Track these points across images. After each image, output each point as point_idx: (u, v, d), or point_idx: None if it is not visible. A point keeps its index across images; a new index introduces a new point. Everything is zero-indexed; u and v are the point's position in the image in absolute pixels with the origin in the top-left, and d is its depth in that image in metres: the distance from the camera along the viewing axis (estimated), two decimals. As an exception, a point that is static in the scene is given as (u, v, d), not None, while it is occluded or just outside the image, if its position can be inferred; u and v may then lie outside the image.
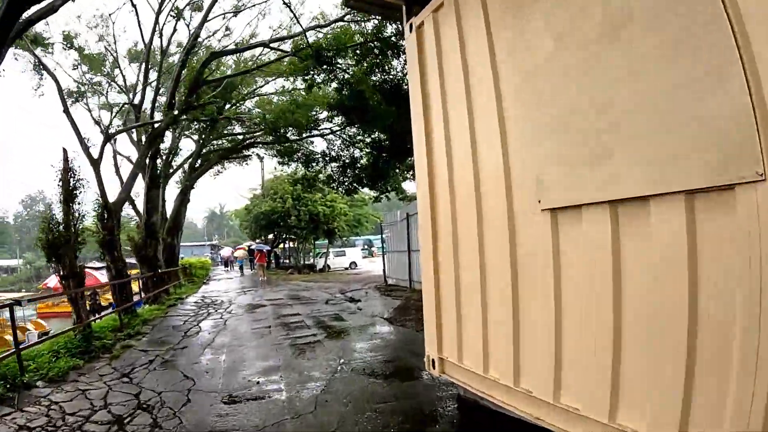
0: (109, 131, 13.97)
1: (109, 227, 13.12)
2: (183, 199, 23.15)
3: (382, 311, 11.99)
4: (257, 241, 42.01)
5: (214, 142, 26.07)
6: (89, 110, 19.63)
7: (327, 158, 22.76)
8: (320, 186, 33.01)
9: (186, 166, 24.86)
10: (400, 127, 17.99)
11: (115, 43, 19.54)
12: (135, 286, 16.40)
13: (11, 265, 58.19)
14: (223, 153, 25.20)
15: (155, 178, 16.14)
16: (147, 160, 15.40)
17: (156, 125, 14.90)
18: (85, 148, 13.51)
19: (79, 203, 10.78)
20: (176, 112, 14.71)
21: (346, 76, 14.68)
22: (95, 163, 13.45)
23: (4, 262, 61.40)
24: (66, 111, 13.90)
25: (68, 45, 18.41)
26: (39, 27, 17.04)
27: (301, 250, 37.78)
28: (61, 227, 10.28)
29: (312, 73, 14.81)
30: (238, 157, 27.76)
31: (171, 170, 23.81)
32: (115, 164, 19.25)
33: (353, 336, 8.93)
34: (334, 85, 17.23)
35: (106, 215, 13.20)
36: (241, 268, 36.24)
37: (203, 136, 23.83)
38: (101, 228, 13.15)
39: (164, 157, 20.99)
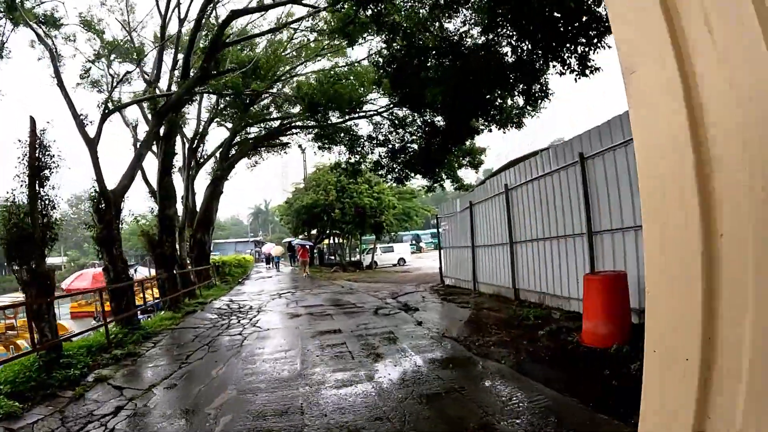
0: (109, 105, 11.45)
1: (106, 220, 10.60)
2: (214, 190, 20.75)
3: (448, 326, 8.84)
4: (300, 237, 39.76)
5: (250, 129, 23.64)
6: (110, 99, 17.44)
7: (374, 142, 19.83)
8: (365, 174, 30.23)
9: (218, 155, 22.46)
10: (459, 103, 15.01)
11: (130, 27, 17.24)
12: (150, 291, 14.00)
13: (56, 264, 58.88)
14: (257, 140, 22.64)
15: (169, 162, 13.59)
16: (159, 141, 12.89)
17: (168, 97, 12.36)
18: (80, 126, 11.03)
19: (52, 187, 8.21)
20: (190, 81, 12.07)
21: (396, 18, 11.53)
22: (91, 143, 10.96)
23: (49, 260, 62.25)
24: (60, 84, 11.48)
25: (86, 28, 16.26)
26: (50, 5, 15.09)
27: (347, 246, 35.10)
28: (27, 218, 7.71)
29: (354, 17, 11.78)
30: (274, 145, 25.19)
31: (201, 159, 21.50)
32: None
33: (417, 375, 5.82)
34: (381, 46, 14.30)
35: (103, 205, 10.69)
36: (276, 264, 35.16)
37: (236, 122, 21.35)
38: (97, 221, 10.65)
39: (189, 142, 18.60)
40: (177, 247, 17.23)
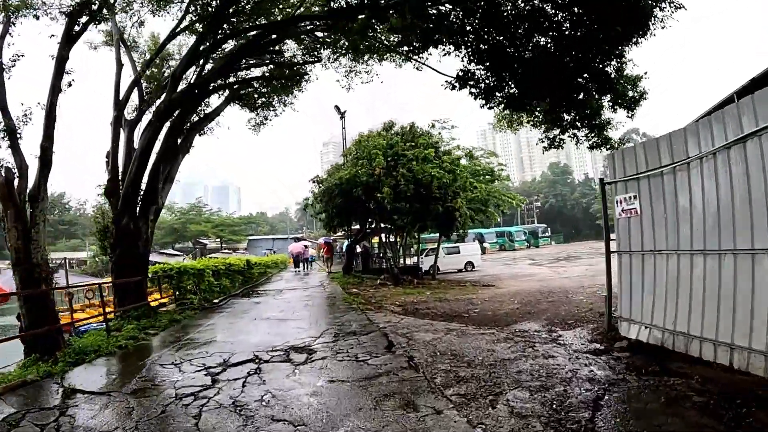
0: None
1: None
2: (153, 137, 11.09)
3: None
4: (340, 233, 30.46)
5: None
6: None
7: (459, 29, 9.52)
8: (428, 136, 19.98)
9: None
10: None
11: None
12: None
13: (81, 258, 52.70)
14: (241, 50, 12.74)
15: None
16: None
17: None
18: None
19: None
20: None
21: None
22: None
23: (73, 254, 56.29)
24: None
25: None
26: None
27: (400, 245, 24.79)
28: None
29: None
30: (282, 79, 15.46)
31: (147, 95, 12.05)
32: None
33: None
34: None
35: None
36: (308, 264, 31.97)
37: (206, 27, 11.77)
38: None
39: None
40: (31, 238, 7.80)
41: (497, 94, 9.33)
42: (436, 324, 9.24)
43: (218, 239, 56.46)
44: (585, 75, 10.72)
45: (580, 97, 11.23)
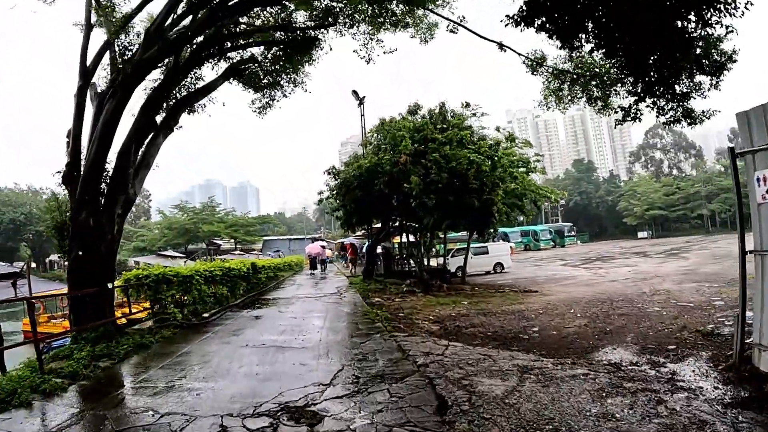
0: None
1: None
2: (118, 108, 8.62)
3: None
4: (360, 232, 28.02)
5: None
6: None
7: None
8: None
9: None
10: None
11: None
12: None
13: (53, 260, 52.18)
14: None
15: None
16: None
17: None
18: None
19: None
20: None
21: None
22: None
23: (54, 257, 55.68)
24: None
25: None
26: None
27: (426, 245, 22.01)
28: None
29: None
30: (285, 46, 12.90)
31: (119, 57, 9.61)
32: None
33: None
34: None
35: None
36: (323, 266, 29.41)
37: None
38: None
39: None
40: None
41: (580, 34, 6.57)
42: (496, 356, 6.51)
43: (232, 240, 54.30)
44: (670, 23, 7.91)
45: (664, 53, 8.42)
